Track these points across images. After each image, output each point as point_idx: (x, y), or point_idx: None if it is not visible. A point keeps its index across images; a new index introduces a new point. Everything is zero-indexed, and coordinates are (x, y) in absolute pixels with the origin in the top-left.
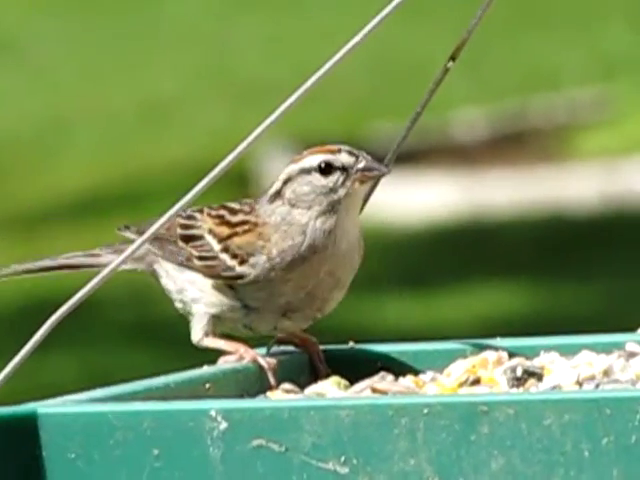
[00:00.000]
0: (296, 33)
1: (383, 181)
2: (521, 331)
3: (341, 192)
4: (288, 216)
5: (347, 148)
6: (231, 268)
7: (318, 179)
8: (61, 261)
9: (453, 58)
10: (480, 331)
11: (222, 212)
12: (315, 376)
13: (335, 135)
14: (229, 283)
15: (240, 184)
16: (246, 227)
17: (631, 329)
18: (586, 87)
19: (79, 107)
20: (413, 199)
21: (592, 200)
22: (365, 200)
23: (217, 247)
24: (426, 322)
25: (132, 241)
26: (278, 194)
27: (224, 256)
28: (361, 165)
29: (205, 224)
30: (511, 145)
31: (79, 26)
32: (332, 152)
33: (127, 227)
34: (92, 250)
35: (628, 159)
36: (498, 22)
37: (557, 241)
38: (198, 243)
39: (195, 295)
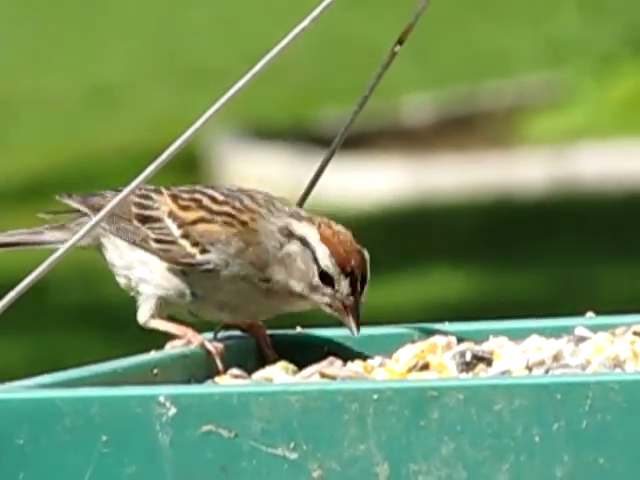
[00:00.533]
0: (244, 17)
1: (331, 164)
2: (470, 315)
3: (316, 298)
4: (283, 258)
5: (356, 277)
6: (191, 255)
7: (313, 273)
8: (3, 239)
9: (400, 42)
10: (429, 315)
11: (197, 195)
12: (263, 361)
13: (283, 119)
14: (184, 269)
15: (189, 169)
16: (228, 220)
17: (580, 313)
18: (535, 72)
19: (26, 90)
20: (361, 183)
21: (540, 184)
22: (312, 184)
23: (177, 232)
24: (375, 306)
25: (76, 210)
26: (291, 235)
27: (184, 242)
28: (347, 304)
29: (164, 206)
30: (459, 129)
31: (26, 9)
32: (344, 267)
33: (69, 195)
34: (35, 228)
35: (576, 144)
36: (448, 6)
37: (505, 225)
38: (156, 225)
39: (144, 275)
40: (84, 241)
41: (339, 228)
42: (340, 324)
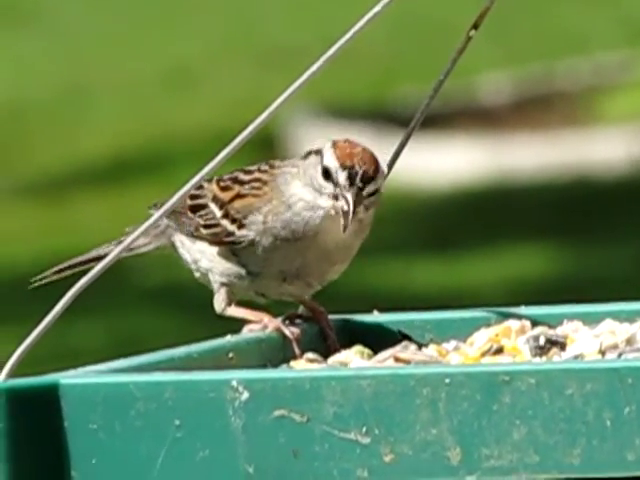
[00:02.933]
0: None
1: (409, 145)
2: (547, 295)
3: (322, 203)
4: (291, 181)
5: (356, 170)
6: (231, 233)
7: (319, 175)
8: (94, 253)
9: (475, 26)
10: (506, 295)
11: (235, 173)
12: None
13: (361, 100)
14: (231, 249)
15: (265, 149)
16: (255, 185)
17: None
18: (612, 50)
19: (102, 73)
20: (439, 163)
21: (619, 163)
22: (390, 165)
23: (219, 214)
24: (452, 286)
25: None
26: (309, 154)
27: (225, 222)
28: (344, 195)
29: (209, 192)
30: (537, 109)
31: None
32: (344, 162)
33: (156, 205)
34: (120, 238)
35: None
36: None
37: (583, 205)
38: (204, 212)
39: (208, 265)
40: (160, 242)
41: (357, 143)
42: (420, 306)
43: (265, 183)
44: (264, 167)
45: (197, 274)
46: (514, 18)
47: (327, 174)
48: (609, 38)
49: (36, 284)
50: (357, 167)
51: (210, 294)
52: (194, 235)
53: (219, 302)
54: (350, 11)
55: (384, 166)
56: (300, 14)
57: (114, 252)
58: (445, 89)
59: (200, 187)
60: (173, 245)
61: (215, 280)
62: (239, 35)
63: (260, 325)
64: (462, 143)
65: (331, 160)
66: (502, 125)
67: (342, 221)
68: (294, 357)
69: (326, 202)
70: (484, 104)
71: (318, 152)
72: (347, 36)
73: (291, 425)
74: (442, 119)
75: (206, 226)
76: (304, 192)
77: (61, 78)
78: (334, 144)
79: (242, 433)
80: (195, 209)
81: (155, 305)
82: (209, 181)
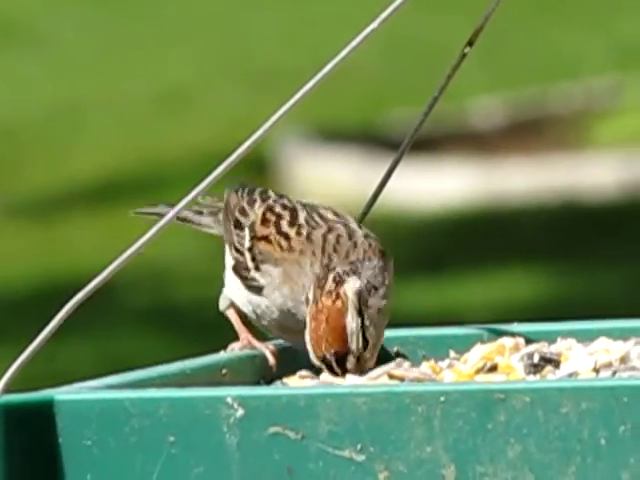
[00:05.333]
0: (314, 19)
1: (400, 168)
2: (538, 317)
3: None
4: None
5: (331, 359)
6: (248, 269)
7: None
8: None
9: (470, 43)
10: (497, 317)
11: (281, 212)
12: None
13: (352, 122)
14: (244, 282)
15: (257, 170)
16: (284, 243)
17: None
18: (603, 75)
19: (95, 92)
20: (430, 186)
21: (609, 188)
22: (380, 187)
23: (248, 244)
24: (443, 307)
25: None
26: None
27: (248, 255)
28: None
29: (253, 215)
30: (528, 133)
31: (96, 11)
32: (315, 352)
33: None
34: (196, 208)
35: None
36: (516, 9)
37: (574, 228)
38: (240, 233)
39: (225, 278)
40: (218, 230)
41: (323, 303)
42: (411, 325)
43: (291, 248)
44: (295, 224)
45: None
46: (505, 42)
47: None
48: (600, 62)
49: (134, 213)
50: (328, 356)
51: (200, 315)
52: (227, 246)
53: (222, 303)
54: (343, 34)
55: (353, 321)
56: (293, 36)
57: (119, 259)
58: (436, 112)
59: (251, 201)
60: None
61: (225, 290)
62: (232, 57)
63: (240, 343)
64: (453, 167)
65: (310, 350)
66: (493, 149)
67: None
68: (288, 374)
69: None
70: (475, 128)
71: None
72: (343, 53)
73: (286, 442)
74: (433, 142)
75: (236, 248)
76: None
77: (55, 98)
78: (310, 315)
79: (237, 450)
80: (237, 224)
81: (145, 325)
82: (264, 200)
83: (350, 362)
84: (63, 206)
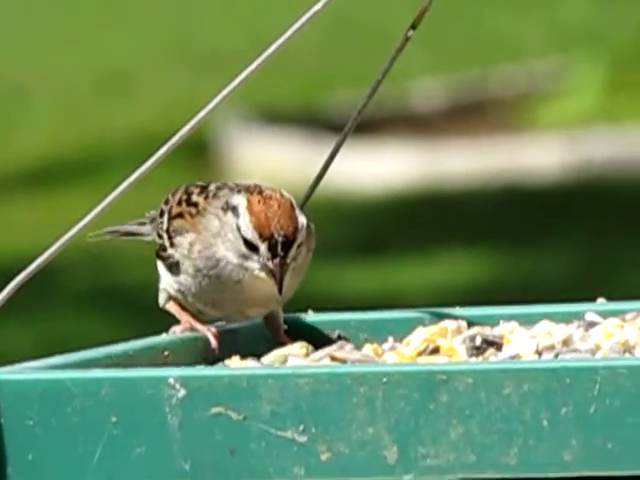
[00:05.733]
0: (255, 1)
1: (341, 150)
2: (480, 299)
3: (250, 265)
4: (221, 231)
5: (276, 240)
6: (165, 248)
7: (241, 244)
8: (119, 228)
9: (414, 26)
10: (439, 300)
11: (193, 189)
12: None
13: (293, 103)
14: (165, 263)
15: (198, 153)
16: (192, 210)
17: (591, 299)
18: (545, 57)
19: (35, 76)
20: (371, 168)
21: (552, 170)
22: (324, 170)
23: (165, 226)
24: (385, 290)
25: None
26: (228, 208)
27: (165, 235)
28: (270, 267)
29: (173, 201)
30: (470, 115)
31: None
32: (262, 232)
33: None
34: (140, 219)
35: (587, 129)
36: None
37: (516, 211)
38: (160, 219)
39: (158, 267)
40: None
41: (271, 193)
42: (353, 308)
43: (198, 212)
44: (205, 193)
45: None
46: (447, 24)
47: (248, 244)
48: (542, 45)
49: (90, 239)
50: (276, 236)
51: (142, 296)
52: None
53: (162, 297)
54: (284, 16)
55: (301, 216)
56: (234, 19)
57: (54, 246)
58: (378, 95)
59: (177, 190)
60: None
61: (160, 284)
62: (174, 39)
63: (182, 326)
64: (395, 149)
65: (249, 231)
66: (435, 131)
67: (275, 286)
68: (229, 356)
69: (253, 264)
70: (417, 110)
71: (235, 210)
72: (286, 35)
73: (228, 423)
74: (375, 125)
75: (158, 234)
76: (229, 255)
77: None
78: (249, 205)
79: (178, 430)
80: (161, 214)
81: (88, 307)
82: (188, 186)
83: (293, 250)
84: (4, 188)
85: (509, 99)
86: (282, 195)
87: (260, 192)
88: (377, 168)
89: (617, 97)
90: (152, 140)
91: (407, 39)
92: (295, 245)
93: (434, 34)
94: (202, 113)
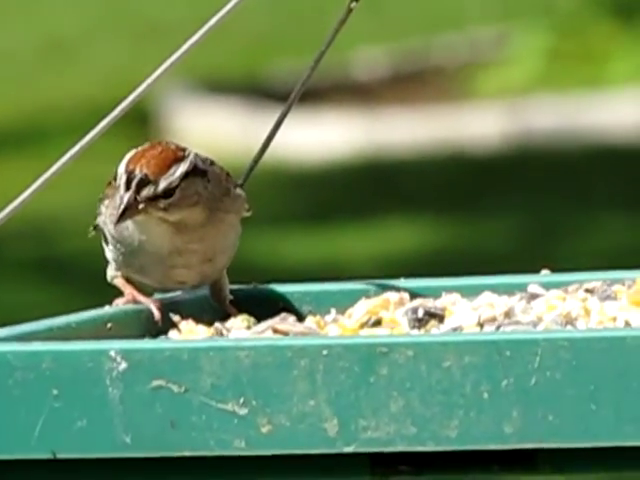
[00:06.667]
0: None
1: (285, 119)
2: (423, 270)
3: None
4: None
5: (135, 174)
6: (95, 216)
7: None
8: None
9: None
10: (382, 270)
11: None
12: (221, 316)
13: (236, 72)
14: (102, 232)
15: (140, 123)
16: (110, 179)
17: (534, 269)
18: (487, 26)
19: None
20: (313, 138)
21: (493, 139)
22: (268, 140)
23: (100, 196)
24: (327, 261)
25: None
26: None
27: (99, 204)
28: (121, 196)
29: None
30: (412, 84)
31: None
32: (127, 166)
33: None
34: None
35: (529, 97)
36: None
37: (458, 179)
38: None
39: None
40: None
41: (167, 143)
42: (295, 279)
43: (116, 176)
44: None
45: None
46: None
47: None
48: (484, 13)
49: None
50: (137, 171)
51: (86, 267)
52: None
53: (109, 271)
54: None
55: (184, 166)
56: None
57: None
58: (320, 64)
59: None
60: None
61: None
62: (115, 9)
63: (125, 299)
64: (337, 118)
65: (121, 164)
66: (377, 100)
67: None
68: (173, 328)
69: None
70: (359, 79)
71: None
72: (228, 6)
73: (169, 396)
74: (317, 94)
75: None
76: (116, 199)
77: None
78: (136, 149)
79: (119, 403)
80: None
81: (30, 278)
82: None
83: (147, 191)
84: None
85: (451, 68)
86: (178, 148)
87: (158, 142)
88: (319, 137)
89: (558, 65)
90: (94, 110)
91: (350, 10)
92: (155, 188)
93: (375, 2)
94: (144, 85)
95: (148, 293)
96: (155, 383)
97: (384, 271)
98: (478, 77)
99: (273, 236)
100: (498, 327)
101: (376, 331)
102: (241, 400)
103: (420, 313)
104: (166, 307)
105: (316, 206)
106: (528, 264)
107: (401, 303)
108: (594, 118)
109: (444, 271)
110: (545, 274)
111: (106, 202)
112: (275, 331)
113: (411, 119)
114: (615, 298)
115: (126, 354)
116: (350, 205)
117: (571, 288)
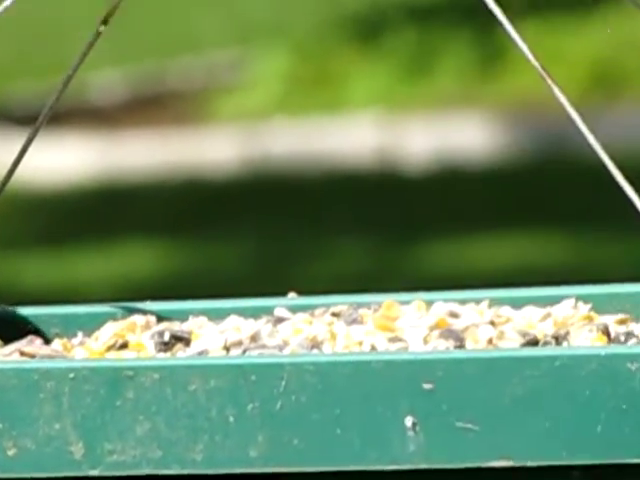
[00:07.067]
0: None
1: (18, 143)
2: (164, 292)
3: None
4: None
5: None
6: None
7: None
8: None
9: (105, 22)
10: (118, 292)
11: None
12: None
13: None
14: None
15: None
16: None
17: (281, 293)
18: (224, 50)
19: None
20: (52, 161)
21: (230, 163)
22: (15, 164)
23: None
24: (64, 283)
25: None
26: None
27: None
28: None
29: None
30: (149, 108)
31: None
32: None
33: None
34: None
35: (267, 122)
36: None
37: (195, 204)
38: None
39: None
40: None
41: None
42: (38, 302)
43: None
44: None
45: None
46: (124, 15)
47: None
48: (221, 37)
49: None
50: None
51: None
52: None
53: None
54: None
55: None
56: None
57: None
58: (56, 87)
59: None
60: None
61: None
62: None
63: None
64: (74, 141)
65: None
66: (114, 123)
67: None
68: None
69: None
70: (95, 102)
71: None
72: None
73: None
74: (55, 118)
75: None
76: None
77: None
78: None
79: None
80: None
81: None
82: None
83: None
84: None
85: (188, 92)
86: None
87: None
88: (59, 160)
89: (297, 89)
90: None
91: (99, 34)
92: None
93: (113, 24)
94: None
95: None
96: None
97: (123, 294)
98: (216, 101)
99: (15, 258)
100: (244, 351)
101: (122, 354)
102: None
103: (166, 336)
104: None
105: (55, 229)
106: (269, 288)
107: (147, 326)
108: (332, 142)
109: (185, 294)
110: (292, 297)
111: None
112: (22, 354)
113: (148, 143)
114: (361, 322)
115: None
116: (88, 228)
117: (318, 312)
